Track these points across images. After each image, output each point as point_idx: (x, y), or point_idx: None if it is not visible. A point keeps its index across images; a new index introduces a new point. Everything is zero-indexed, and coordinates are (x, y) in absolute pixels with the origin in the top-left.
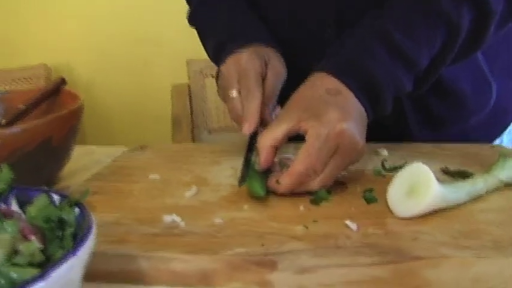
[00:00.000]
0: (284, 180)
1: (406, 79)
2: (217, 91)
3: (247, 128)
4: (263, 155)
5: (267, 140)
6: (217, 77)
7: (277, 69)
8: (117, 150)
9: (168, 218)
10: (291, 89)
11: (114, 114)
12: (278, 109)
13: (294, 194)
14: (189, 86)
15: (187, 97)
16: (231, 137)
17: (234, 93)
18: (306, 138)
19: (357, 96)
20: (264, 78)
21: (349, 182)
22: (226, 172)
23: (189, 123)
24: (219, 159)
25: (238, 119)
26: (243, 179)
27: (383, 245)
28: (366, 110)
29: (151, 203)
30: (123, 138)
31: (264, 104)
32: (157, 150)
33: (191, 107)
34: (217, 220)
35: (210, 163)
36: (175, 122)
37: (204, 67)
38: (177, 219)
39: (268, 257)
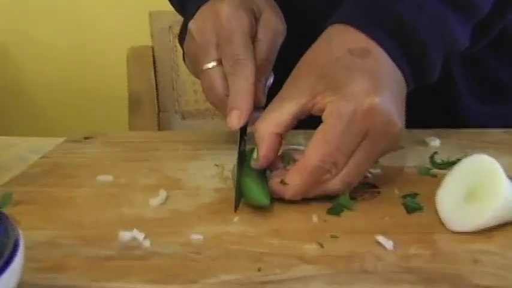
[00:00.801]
0: (292, 179)
1: (461, 30)
2: (184, 59)
3: (237, 119)
4: (263, 147)
5: (269, 125)
6: (181, 36)
7: (273, 26)
8: (48, 143)
9: (125, 235)
10: (294, 51)
11: (44, 92)
12: (271, 79)
13: (305, 199)
14: (152, 49)
15: (150, 65)
16: (214, 124)
17: (211, 64)
18: (322, 119)
19: (392, 57)
20: (254, 40)
21: (382, 184)
22: (207, 171)
23: (154, 103)
24: (197, 153)
25: (218, 103)
26: (239, 198)
27: (430, 270)
28: (404, 77)
29: (101, 215)
30: (57, 126)
31: (256, 78)
32: (109, 142)
33: (156, 80)
34: (196, 237)
35: (185, 158)
36: (134, 102)
37: (174, 22)
38: (139, 236)
39: (268, 286)
